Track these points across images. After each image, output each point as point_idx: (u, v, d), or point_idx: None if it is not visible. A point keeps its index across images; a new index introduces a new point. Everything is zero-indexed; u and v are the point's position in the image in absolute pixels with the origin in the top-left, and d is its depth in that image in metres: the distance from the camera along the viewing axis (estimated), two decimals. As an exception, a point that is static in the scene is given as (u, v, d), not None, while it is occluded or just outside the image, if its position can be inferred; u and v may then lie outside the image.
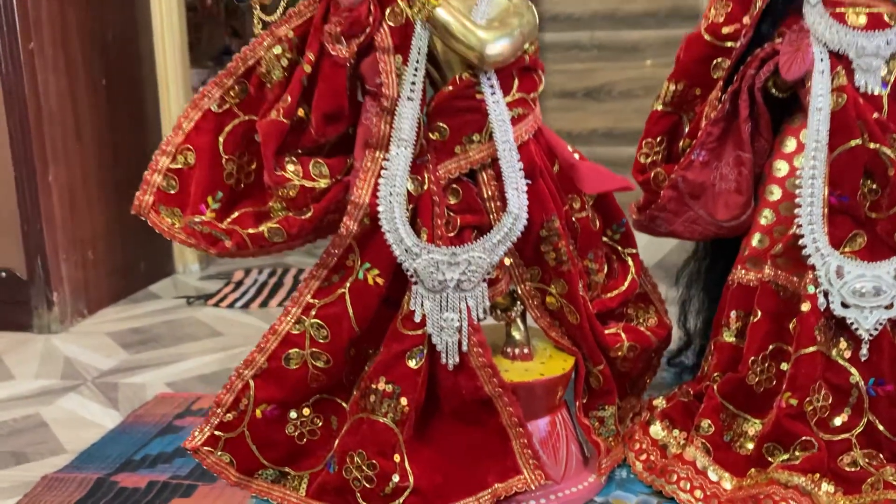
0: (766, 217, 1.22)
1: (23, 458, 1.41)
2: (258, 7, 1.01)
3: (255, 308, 2.20)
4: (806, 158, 1.14)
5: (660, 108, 1.27)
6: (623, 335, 1.20)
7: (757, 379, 1.16)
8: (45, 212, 2.06)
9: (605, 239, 1.23)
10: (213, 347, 1.93)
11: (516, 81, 1.10)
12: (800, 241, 1.13)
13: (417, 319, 1.07)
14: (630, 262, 1.24)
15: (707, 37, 1.23)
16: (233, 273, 2.47)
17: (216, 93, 1.09)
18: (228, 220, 1.09)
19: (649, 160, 1.28)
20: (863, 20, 1.15)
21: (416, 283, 1.07)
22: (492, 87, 1.07)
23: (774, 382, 1.16)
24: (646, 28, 3.05)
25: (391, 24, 1.06)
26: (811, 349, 1.12)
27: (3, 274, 2.08)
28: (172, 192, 1.10)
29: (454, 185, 1.10)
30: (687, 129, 1.26)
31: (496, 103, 1.07)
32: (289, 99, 1.05)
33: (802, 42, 1.14)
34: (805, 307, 1.13)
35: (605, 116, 3.14)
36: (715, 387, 1.19)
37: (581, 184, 1.12)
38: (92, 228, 2.24)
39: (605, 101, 3.15)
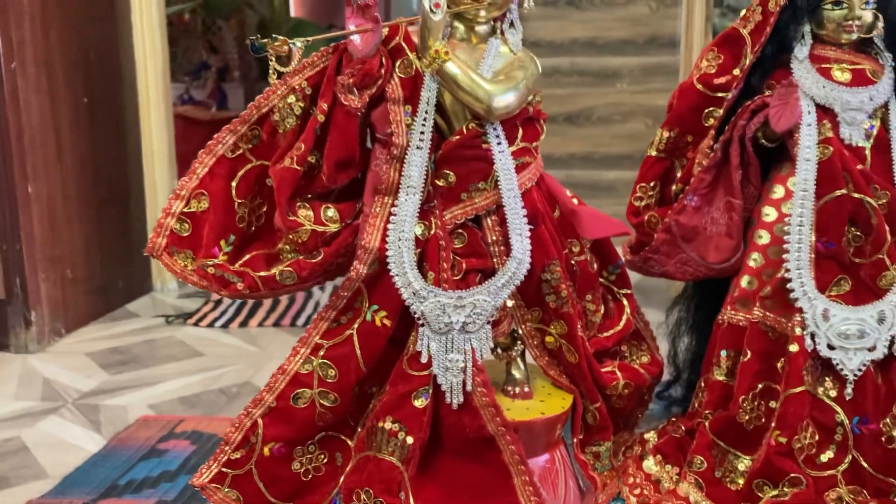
0: (755, 260, 1.28)
1: (5, 483, 1.41)
2: (274, 58, 1.05)
3: (235, 328, 2.22)
4: (794, 206, 1.20)
5: (653, 153, 1.33)
6: (619, 374, 1.25)
7: (747, 417, 1.22)
8: (24, 231, 2.08)
9: (601, 280, 1.28)
10: (193, 368, 1.95)
11: (520, 131, 1.14)
12: (788, 285, 1.20)
13: (424, 360, 1.11)
14: (625, 303, 1.29)
15: (699, 87, 1.29)
16: (211, 291, 2.49)
17: (230, 139, 1.12)
18: (240, 262, 1.12)
19: (643, 203, 1.33)
20: (847, 76, 1.22)
21: (422, 325, 1.11)
22: (497, 137, 1.12)
23: (764, 420, 1.21)
24: (625, 55, 3.13)
25: (401, 75, 1.10)
26: (799, 389, 1.17)
27: (-19, 293, 2.09)
28: (185, 234, 1.13)
29: (459, 230, 1.14)
30: (679, 175, 1.32)
31: (501, 153, 1.12)
32: (302, 147, 1.08)
33: (791, 96, 1.21)
34: (793, 348, 1.18)
35: (584, 141, 3.21)
36: (707, 424, 1.25)
37: (581, 230, 1.17)
38: (71, 247, 2.24)
39: (585, 126, 3.21)
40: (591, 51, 3.15)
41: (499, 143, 1.12)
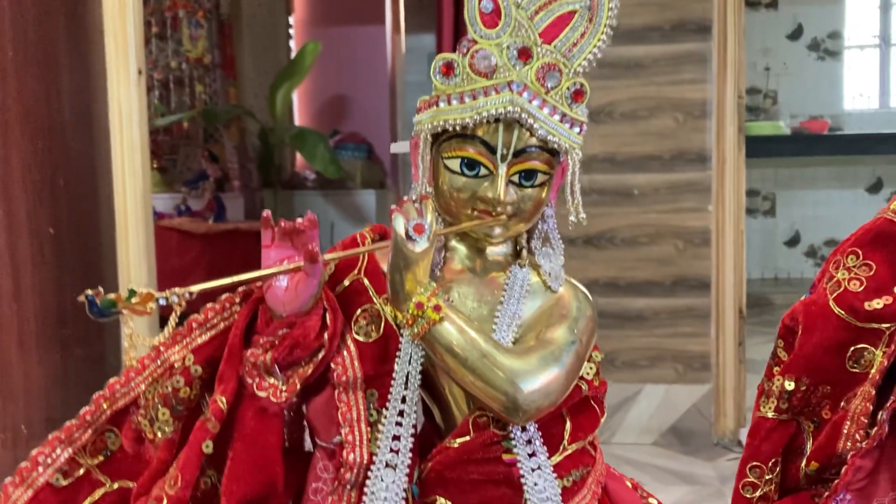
0: None
1: None
2: (131, 322, 0.56)
3: None
4: None
5: (770, 414, 0.82)
6: None
7: None
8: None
9: None
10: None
11: (568, 425, 0.64)
12: None
13: None
14: None
15: (838, 311, 0.79)
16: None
17: (61, 454, 0.62)
18: None
19: (758, 494, 0.82)
20: None
21: None
22: (529, 441, 0.62)
23: None
24: (649, 171, 2.77)
25: (360, 338, 0.62)
26: None
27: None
28: None
29: None
30: (810, 445, 0.81)
31: (537, 470, 0.62)
32: (179, 481, 0.59)
33: None
34: None
35: (607, 266, 2.81)
36: None
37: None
38: (27, 400, 1.86)
39: (607, 249, 2.82)
40: (610, 168, 2.80)
41: (531, 455, 0.62)
